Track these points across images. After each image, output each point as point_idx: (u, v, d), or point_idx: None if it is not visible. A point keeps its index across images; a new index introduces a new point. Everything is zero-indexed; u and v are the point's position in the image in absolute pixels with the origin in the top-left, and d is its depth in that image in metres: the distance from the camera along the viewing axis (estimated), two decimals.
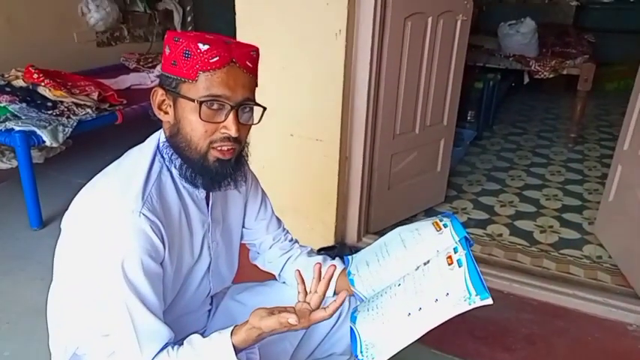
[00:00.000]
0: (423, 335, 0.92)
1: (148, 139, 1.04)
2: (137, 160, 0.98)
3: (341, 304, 0.96)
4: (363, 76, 2.14)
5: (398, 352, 0.92)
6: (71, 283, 0.98)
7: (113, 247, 0.88)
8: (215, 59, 0.91)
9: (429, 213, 2.81)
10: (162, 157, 1.00)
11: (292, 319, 0.89)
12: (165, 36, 0.96)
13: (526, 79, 4.26)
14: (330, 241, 2.37)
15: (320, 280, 0.99)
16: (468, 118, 4.10)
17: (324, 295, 0.98)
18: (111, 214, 0.89)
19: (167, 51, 0.94)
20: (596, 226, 2.63)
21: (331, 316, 0.97)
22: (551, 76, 3.95)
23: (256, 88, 1.00)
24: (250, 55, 0.97)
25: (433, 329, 0.92)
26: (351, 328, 1.02)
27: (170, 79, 0.94)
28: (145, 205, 0.90)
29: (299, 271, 0.97)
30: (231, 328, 0.94)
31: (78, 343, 1.02)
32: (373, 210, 2.48)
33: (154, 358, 0.91)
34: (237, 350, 0.92)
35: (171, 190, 0.99)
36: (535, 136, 4.26)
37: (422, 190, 2.74)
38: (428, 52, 2.38)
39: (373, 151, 2.35)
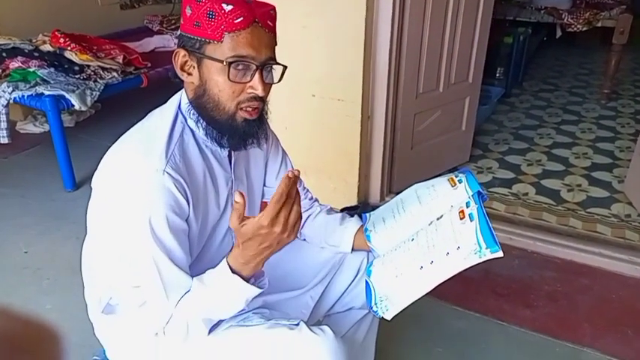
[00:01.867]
0: (436, 287, 0.93)
1: (170, 100, 1.06)
2: (159, 121, 1.01)
3: (286, 186, 0.84)
4: (385, 34, 2.10)
5: (410, 304, 0.94)
6: (102, 238, 1.03)
7: (140, 204, 0.91)
8: (239, 20, 0.91)
9: (459, 169, 2.79)
10: (184, 117, 1.02)
11: (264, 219, 0.84)
12: None
13: (558, 33, 4.09)
14: (353, 201, 2.40)
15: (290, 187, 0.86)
16: (497, 74, 3.98)
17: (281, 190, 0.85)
18: (136, 174, 0.92)
19: (188, 12, 0.94)
20: (626, 185, 2.58)
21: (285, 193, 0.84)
22: (584, 28, 3.79)
23: (276, 47, 1.00)
24: (270, 13, 0.97)
25: (447, 286, 0.93)
26: (367, 282, 1.04)
27: (193, 40, 0.95)
28: (168, 164, 0.93)
29: (287, 174, 0.84)
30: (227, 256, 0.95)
31: (111, 293, 1.09)
32: (396, 169, 2.48)
33: (177, 303, 0.96)
34: (243, 277, 0.93)
35: (193, 148, 1.01)
36: (567, 93, 4.13)
37: (446, 149, 2.72)
38: (453, 5, 2.31)
39: (396, 110, 2.33)
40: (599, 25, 3.78)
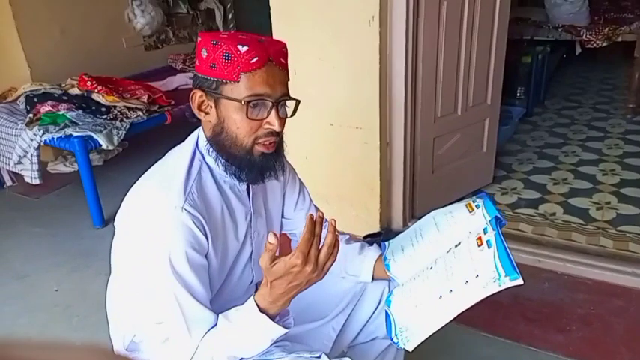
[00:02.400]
0: (462, 313, 0.92)
1: (188, 138, 1.09)
2: (177, 159, 1.04)
3: (334, 236, 0.91)
4: (400, 61, 2.13)
5: (432, 334, 0.93)
6: (125, 276, 1.06)
7: (159, 242, 0.94)
8: (255, 60, 0.94)
9: (477, 194, 2.76)
10: (202, 154, 1.05)
11: (296, 257, 0.88)
12: (199, 39, 1.00)
13: (578, 50, 4.07)
14: (375, 228, 2.39)
15: (316, 226, 0.92)
16: (517, 94, 3.95)
17: (328, 241, 0.93)
18: (156, 211, 0.95)
19: (204, 54, 0.98)
20: None
21: (332, 246, 0.91)
22: (604, 44, 3.77)
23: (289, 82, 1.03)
24: (283, 51, 1.01)
25: (475, 312, 0.92)
26: (386, 312, 1.04)
27: (210, 81, 0.98)
28: (187, 201, 0.96)
29: (311, 215, 0.92)
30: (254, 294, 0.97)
31: (135, 331, 1.10)
32: (418, 194, 2.47)
33: (201, 339, 0.97)
34: (269, 315, 0.94)
35: (211, 185, 1.04)
36: (590, 109, 4.06)
37: (468, 172, 2.70)
38: (467, 29, 2.33)
39: (414, 135, 2.33)
40: (619, 40, 3.74)
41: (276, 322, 0.95)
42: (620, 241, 2.29)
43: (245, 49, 0.94)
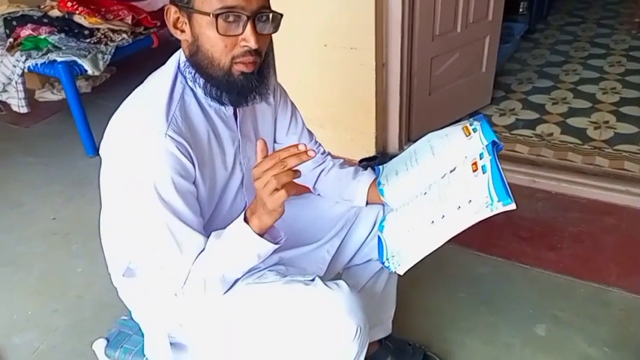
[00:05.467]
0: (456, 235, 0.91)
1: (169, 60, 1.03)
2: (158, 83, 0.99)
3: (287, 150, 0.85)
4: None
5: (423, 258, 0.93)
6: (115, 206, 1.04)
7: (144, 170, 0.91)
8: None
9: (474, 116, 2.72)
10: (185, 77, 1.00)
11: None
12: None
13: None
14: (371, 152, 2.37)
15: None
16: (520, 10, 3.78)
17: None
18: (138, 139, 0.91)
19: None
20: None
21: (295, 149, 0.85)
22: None
23: None
24: None
25: (469, 232, 0.91)
26: (379, 237, 1.03)
27: None
28: (169, 127, 0.91)
29: (262, 140, 0.90)
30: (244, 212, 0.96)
31: (129, 258, 1.11)
32: (414, 117, 2.42)
33: (193, 261, 0.97)
34: (258, 233, 0.93)
35: (196, 109, 0.99)
36: (594, 25, 3.92)
37: (466, 92, 2.64)
38: None
39: (411, 55, 2.25)
40: None
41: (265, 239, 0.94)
42: (616, 160, 2.28)
43: None
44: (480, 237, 1.90)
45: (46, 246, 2.09)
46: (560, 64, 3.31)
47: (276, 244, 0.96)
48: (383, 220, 1.10)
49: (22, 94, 2.69)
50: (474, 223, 0.86)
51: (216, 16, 0.88)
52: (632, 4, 4.02)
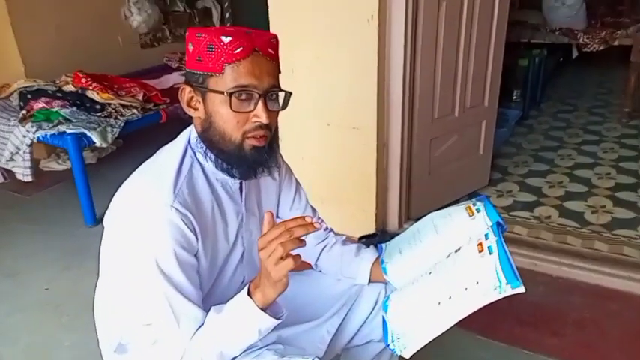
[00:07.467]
0: (454, 324, 0.90)
1: (180, 135, 1.07)
2: (168, 156, 1.02)
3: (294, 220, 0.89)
4: (398, 61, 2.11)
5: (429, 342, 0.91)
6: (113, 277, 1.04)
7: (147, 241, 0.92)
8: (239, 50, 0.92)
9: (473, 197, 2.75)
10: (194, 152, 1.03)
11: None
12: (187, 34, 0.99)
13: (575, 54, 4.08)
14: (370, 229, 2.37)
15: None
16: (514, 97, 3.96)
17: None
18: (144, 209, 0.93)
19: (190, 48, 0.97)
20: None
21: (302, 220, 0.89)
22: (601, 48, 3.77)
23: (279, 74, 1.01)
24: (271, 42, 0.98)
25: (470, 315, 0.90)
26: (383, 317, 1.02)
27: (196, 75, 0.97)
28: (176, 199, 0.94)
29: (270, 213, 0.93)
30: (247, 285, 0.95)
31: (122, 332, 1.08)
32: (414, 196, 2.46)
33: (191, 337, 0.95)
34: (261, 307, 0.92)
35: (202, 183, 1.02)
36: (586, 113, 4.07)
37: (464, 174, 2.69)
38: (465, 30, 2.32)
39: (411, 136, 2.32)
40: (616, 44, 3.75)
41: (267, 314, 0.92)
42: (615, 244, 2.29)
43: (229, 39, 0.92)
44: (481, 319, 1.83)
45: (38, 317, 2.03)
46: (555, 149, 3.41)
47: (277, 319, 0.94)
48: (386, 299, 1.08)
49: (27, 164, 2.74)
50: (482, 305, 0.85)
51: (230, 94, 0.93)
52: (620, 94, 4.19)
